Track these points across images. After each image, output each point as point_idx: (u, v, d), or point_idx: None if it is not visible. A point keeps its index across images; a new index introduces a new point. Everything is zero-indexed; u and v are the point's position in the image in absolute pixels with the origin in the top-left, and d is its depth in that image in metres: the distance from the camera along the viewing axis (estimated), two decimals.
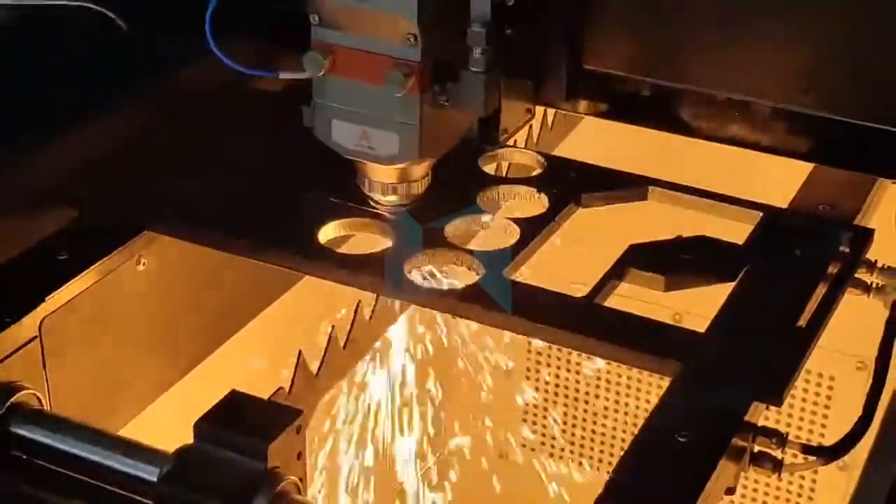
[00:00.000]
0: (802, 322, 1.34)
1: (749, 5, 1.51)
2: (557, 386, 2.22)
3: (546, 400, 2.24)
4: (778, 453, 1.27)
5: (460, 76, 1.35)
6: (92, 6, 1.63)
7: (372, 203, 1.46)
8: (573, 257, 1.64)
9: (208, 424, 1.21)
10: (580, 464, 2.26)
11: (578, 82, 1.60)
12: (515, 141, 1.64)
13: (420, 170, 1.44)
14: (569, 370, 2.19)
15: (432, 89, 1.35)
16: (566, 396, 2.22)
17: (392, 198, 1.44)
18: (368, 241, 1.48)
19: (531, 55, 1.53)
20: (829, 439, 1.36)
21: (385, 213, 1.47)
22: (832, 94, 1.51)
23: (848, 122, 1.50)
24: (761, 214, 1.51)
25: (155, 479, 1.20)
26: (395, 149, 1.38)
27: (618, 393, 2.17)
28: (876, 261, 1.47)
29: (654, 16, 1.56)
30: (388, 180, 1.43)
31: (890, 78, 1.48)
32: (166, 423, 1.49)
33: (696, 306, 1.43)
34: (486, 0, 1.32)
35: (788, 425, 2.05)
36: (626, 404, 2.17)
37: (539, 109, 1.63)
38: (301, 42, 1.38)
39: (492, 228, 1.52)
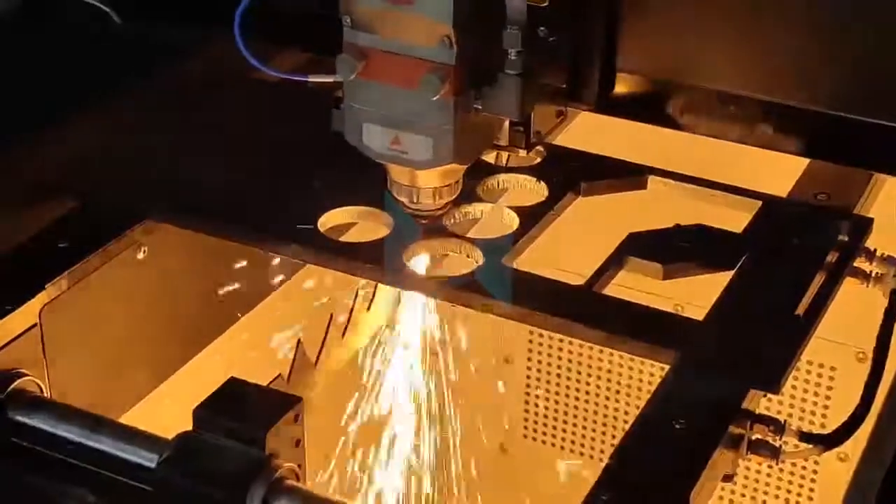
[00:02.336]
0: (801, 310, 1.35)
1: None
2: (559, 376, 2.22)
3: (547, 391, 2.24)
4: (776, 441, 1.27)
5: (496, 79, 1.33)
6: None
7: (402, 208, 1.44)
8: (572, 246, 1.64)
9: (207, 411, 1.22)
10: (581, 454, 2.26)
11: (611, 84, 1.61)
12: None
13: (453, 174, 1.42)
14: (570, 360, 2.19)
15: (467, 93, 1.33)
16: (567, 387, 2.22)
17: (423, 203, 1.42)
18: (369, 229, 1.48)
19: (564, 56, 1.52)
20: (830, 430, 1.35)
21: (416, 218, 1.45)
22: (828, 89, 1.50)
23: (844, 117, 1.50)
24: (760, 203, 1.52)
25: (154, 466, 1.21)
26: (429, 153, 1.35)
27: (619, 382, 2.17)
28: (875, 249, 1.47)
29: (681, 17, 1.56)
30: (419, 185, 1.41)
31: (886, 72, 1.48)
32: (165, 410, 1.49)
33: (697, 297, 1.43)
34: (521, 1, 1.29)
35: (790, 416, 2.04)
36: (627, 393, 2.17)
37: None
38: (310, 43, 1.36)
39: (491, 217, 1.52)
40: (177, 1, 1.73)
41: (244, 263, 1.59)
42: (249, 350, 1.66)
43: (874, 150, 1.53)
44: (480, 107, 1.33)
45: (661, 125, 1.62)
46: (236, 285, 1.61)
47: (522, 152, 1.50)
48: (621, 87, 1.62)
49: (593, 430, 2.24)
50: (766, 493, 2.14)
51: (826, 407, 2.03)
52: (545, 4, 1.33)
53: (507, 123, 1.44)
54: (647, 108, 1.62)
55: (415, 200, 1.42)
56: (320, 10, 1.36)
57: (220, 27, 1.33)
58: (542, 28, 1.38)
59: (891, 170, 1.56)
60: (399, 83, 1.32)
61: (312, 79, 1.36)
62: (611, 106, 1.63)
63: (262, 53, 1.36)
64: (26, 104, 1.54)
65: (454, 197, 1.44)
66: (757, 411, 1.27)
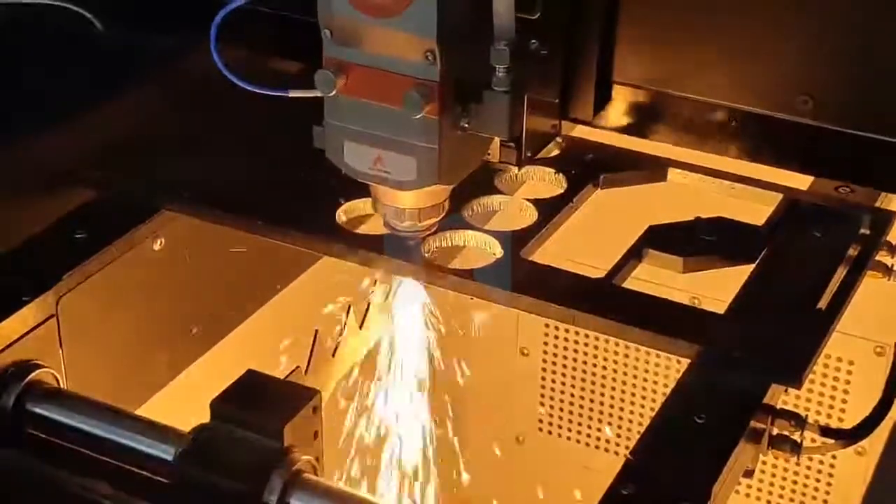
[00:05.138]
0: (822, 304, 1.34)
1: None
2: (575, 369, 2.21)
3: (563, 383, 2.24)
4: (797, 436, 1.26)
5: (483, 96, 1.25)
6: (70, 6, 1.65)
7: (387, 228, 1.40)
8: (591, 238, 1.64)
9: (225, 404, 1.22)
10: (597, 447, 2.26)
11: (607, 97, 1.57)
12: None
13: (440, 194, 1.36)
14: (586, 353, 2.19)
15: (453, 111, 1.27)
16: (583, 380, 2.22)
17: (408, 223, 1.37)
18: None
19: (557, 69, 1.47)
20: (848, 424, 1.35)
21: (403, 238, 1.41)
22: (832, 105, 1.48)
23: (849, 133, 1.48)
24: (781, 196, 1.51)
25: (171, 458, 1.21)
26: (413, 174, 1.29)
27: (635, 376, 2.16)
28: None
29: (681, 28, 1.53)
30: (404, 205, 1.36)
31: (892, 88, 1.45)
32: (183, 402, 1.49)
33: (714, 290, 1.42)
34: (510, 16, 1.23)
35: (807, 409, 2.04)
36: (644, 387, 2.16)
37: None
38: (308, 53, 1.32)
39: (509, 209, 1.51)
40: (160, 8, 1.73)
41: (261, 255, 1.58)
42: (267, 341, 1.65)
43: (880, 167, 1.50)
44: (467, 125, 1.27)
45: (659, 140, 1.59)
46: (253, 277, 1.60)
47: (514, 169, 1.47)
48: (618, 101, 1.58)
49: (609, 423, 2.23)
50: (782, 486, 2.14)
51: (844, 401, 2.03)
52: (536, 16, 1.28)
53: (497, 139, 1.38)
54: (644, 122, 1.58)
55: (398, 221, 1.37)
56: (307, 18, 1.29)
57: (206, 32, 1.31)
58: (533, 41, 1.33)
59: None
60: (381, 100, 1.26)
61: (293, 94, 1.31)
62: (607, 120, 1.59)
63: (249, 62, 1.34)
64: (44, 94, 1.55)
65: (441, 217, 1.39)
66: (777, 406, 1.26)
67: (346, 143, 1.31)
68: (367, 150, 1.30)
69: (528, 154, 1.42)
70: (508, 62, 1.24)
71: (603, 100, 1.57)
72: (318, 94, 1.28)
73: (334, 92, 1.27)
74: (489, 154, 1.39)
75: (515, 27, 1.23)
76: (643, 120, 1.58)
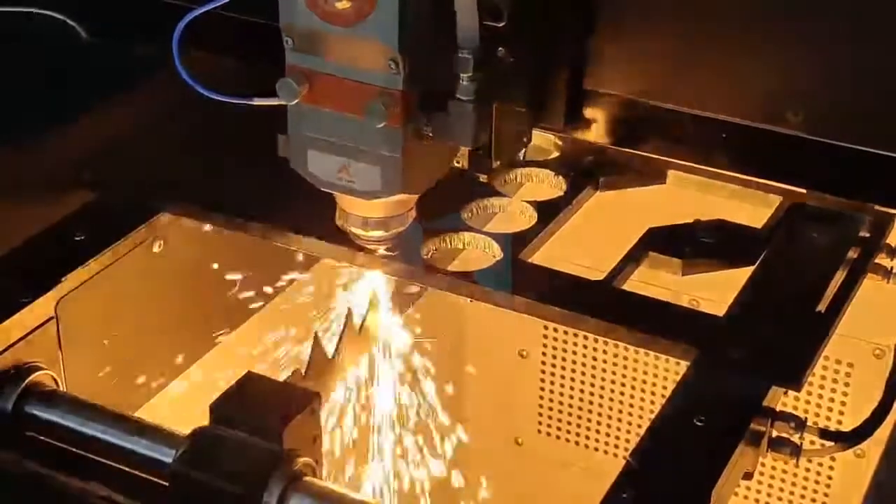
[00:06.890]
0: (822, 307, 1.34)
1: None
2: (574, 371, 2.21)
3: (562, 385, 2.24)
4: (796, 438, 1.26)
5: (447, 105, 1.23)
6: (55, 14, 1.66)
7: (352, 238, 1.38)
8: (591, 240, 1.64)
9: (224, 406, 1.21)
10: (596, 449, 2.25)
11: (579, 105, 1.54)
12: None
13: (405, 203, 1.35)
14: (585, 355, 2.19)
15: (417, 119, 1.24)
16: (583, 382, 2.21)
17: (375, 233, 1.36)
18: None
19: (527, 77, 1.43)
20: (847, 426, 1.34)
21: (367, 248, 1.39)
22: (823, 117, 1.46)
23: (839, 146, 1.46)
24: (781, 198, 1.51)
25: (170, 461, 1.20)
26: (377, 183, 1.28)
27: (635, 378, 2.16)
28: None
29: (657, 35, 1.50)
30: (370, 215, 1.34)
31: (882, 98, 1.43)
32: (182, 404, 1.49)
33: (713, 292, 1.42)
34: (473, 23, 1.21)
35: (805, 412, 2.04)
36: (643, 389, 2.16)
37: None
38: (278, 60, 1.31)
39: (509, 211, 1.51)
40: (142, 17, 1.73)
41: (261, 257, 1.58)
42: (266, 344, 1.65)
43: (870, 181, 1.47)
44: (431, 134, 1.26)
45: (634, 149, 1.56)
46: (253, 279, 1.60)
47: (483, 177, 1.45)
48: (590, 109, 1.55)
49: (608, 425, 2.23)
50: (782, 488, 2.14)
51: (843, 403, 2.02)
52: (502, 24, 1.26)
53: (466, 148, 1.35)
54: (619, 131, 1.55)
55: (362, 230, 1.35)
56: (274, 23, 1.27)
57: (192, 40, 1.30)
58: (500, 48, 1.31)
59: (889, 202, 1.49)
60: (344, 109, 1.25)
61: (257, 102, 1.29)
62: (579, 128, 1.56)
63: (222, 68, 1.32)
64: (45, 96, 1.55)
65: (406, 226, 1.37)
66: (777, 408, 1.26)
67: (309, 152, 1.30)
68: (331, 160, 1.29)
69: (498, 162, 1.39)
70: (472, 70, 1.22)
71: (575, 108, 1.54)
72: (280, 102, 1.27)
73: (297, 101, 1.25)
74: (458, 162, 1.37)
75: (482, 35, 1.22)
76: (617, 129, 1.56)
